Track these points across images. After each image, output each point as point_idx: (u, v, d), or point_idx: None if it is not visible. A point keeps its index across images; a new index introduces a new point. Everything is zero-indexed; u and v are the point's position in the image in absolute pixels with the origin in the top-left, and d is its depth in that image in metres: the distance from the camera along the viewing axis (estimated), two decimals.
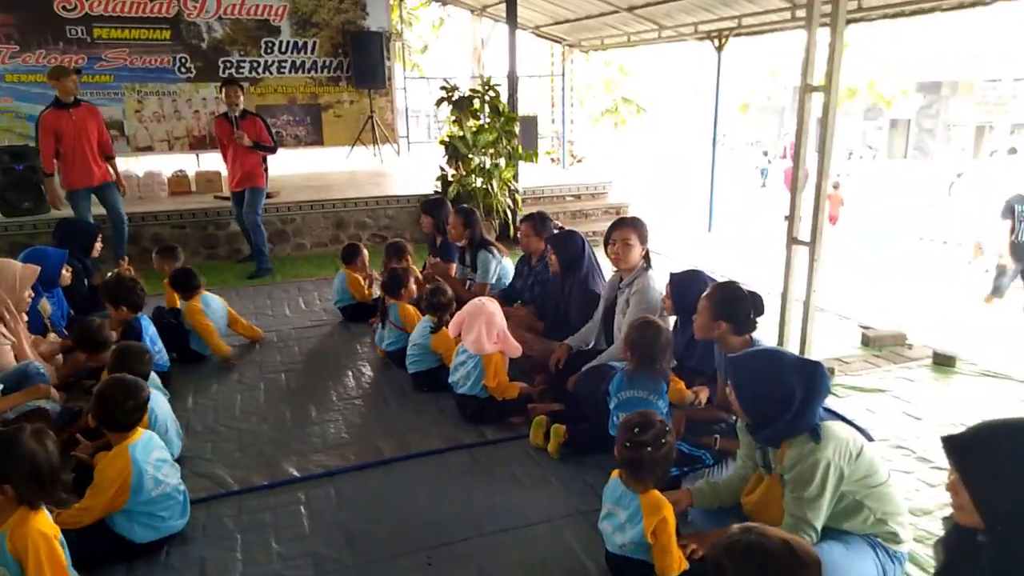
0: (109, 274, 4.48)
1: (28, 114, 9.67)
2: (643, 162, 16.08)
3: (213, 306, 4.57)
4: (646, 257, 3.72)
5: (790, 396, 2.21)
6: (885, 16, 6.78)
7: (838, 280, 6.32)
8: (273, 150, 6.70)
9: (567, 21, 10.92)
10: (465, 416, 3.69)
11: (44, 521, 2.12)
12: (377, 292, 5.38)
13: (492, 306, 3.66)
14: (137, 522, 2.55)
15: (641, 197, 10.30)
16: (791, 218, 4.12)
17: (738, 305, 2.82)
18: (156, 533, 2.60)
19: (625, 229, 3.72)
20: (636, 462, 2.25)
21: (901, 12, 6.60)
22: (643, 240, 3.71)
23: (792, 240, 4.11)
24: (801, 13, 7.10)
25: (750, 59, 24.10)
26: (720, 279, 3.18)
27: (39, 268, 3.65)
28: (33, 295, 3.64)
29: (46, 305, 3.97)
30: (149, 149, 10.25)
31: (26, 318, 3.61)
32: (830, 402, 2.45)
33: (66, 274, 4.14)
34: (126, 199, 7.56)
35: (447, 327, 3.93)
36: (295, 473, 3.19)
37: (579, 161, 13.43)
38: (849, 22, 5.36)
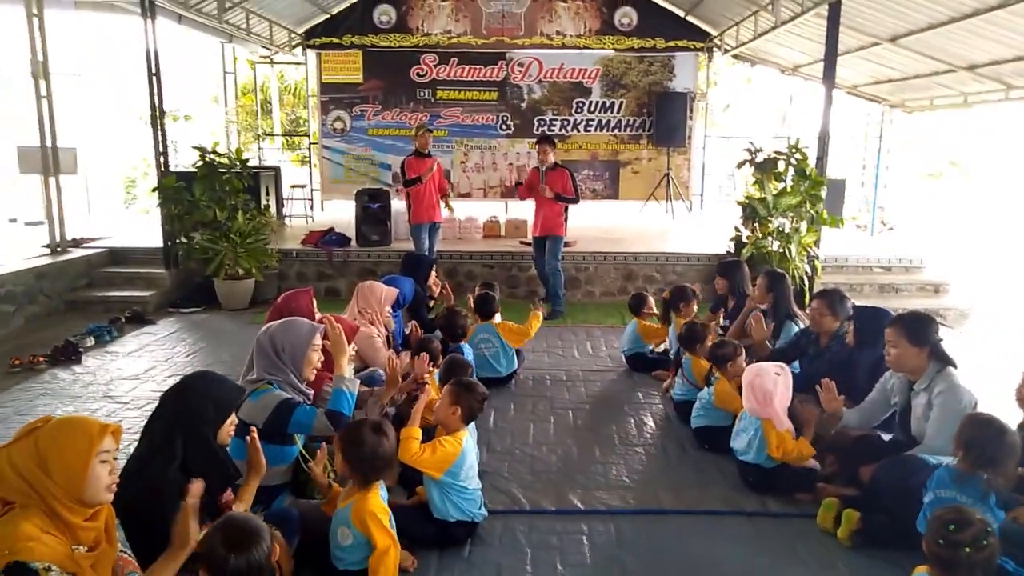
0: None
1: (381, 162, 11.67)
2: (971, 236, 14.09)
3: (494, 337, 5.12)
4: (937, 356, 3.31)
5: None
6: None
7: None
8: (574, 201, 7.19)
9: (890, 81, 10.19)
10: (747, 483, 3.62)
11: (376, 501, 2.58)
12: (664, 346, 5.54)
13: (767, 368, 3.57)
14: (449, 501, 2.98)
15: (966, 276, 9.07)
16: None
17: None
18: (462, 514, 3.01)
19: (894, 329, 3.37)
20: (951, 563, 2.06)
21: None
22: (918, 342, 3.29)
23: None
24: None
25: None
26: None
27: (396, 291, 4.48)
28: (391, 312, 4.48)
29: (390, 322, 4.78)
30: (468, 196, 11.64)
31: (384, 330, 4.41)
32: None
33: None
34: (449, 239, 8.75)
35: (730, 380, 3.95)
36: (579, 505, 3.42)
37: (890, 229, 12.27)
38: None
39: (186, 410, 2.34)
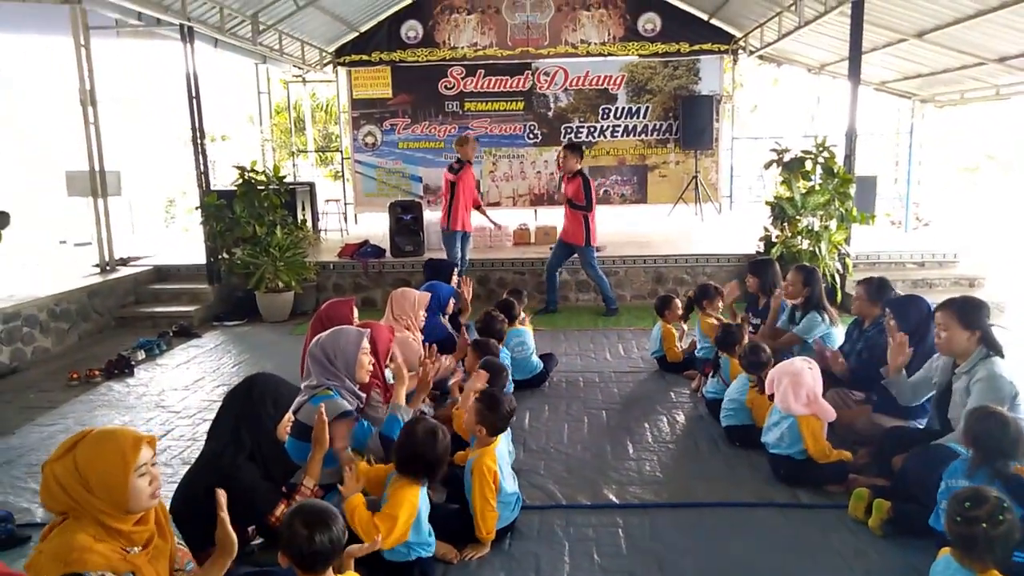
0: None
1: (412, 174, 11.91)
2: (1009, 229, 13.81)
3: (527, 340, 5.28)
4: (986, 342, 3.33)
5: None
6: None
7: None
8: (583, 208, 7.24)
9: (918, 76, 10.11)
10: (778, 476, 3.69)
11: (411, 496, 2.69)
12: (684, 345, 5.62)
13: (801, 365, 3.63)
14: None
15: (1002, 269, 8.95)
16: None
17: None
18: (501, 524, 3.10)
19: (944, 312, 3.39)
20: (970, 539, 2.12)
21: None
22: (968, 326, 3.30)
23: None
24: None
25: None
26: None
27: (429, 295, 4.66)
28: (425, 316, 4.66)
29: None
30: (497, 204, 11.81)
31: (420, 335, 4.57)
32: None
33: (452, 303, 5.15)
34: (480, 247, 8.91)
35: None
36: (614, 499, 3.53)
37: (925, 225, 12.14)
38: None
39: (251, 404, 2.53)
